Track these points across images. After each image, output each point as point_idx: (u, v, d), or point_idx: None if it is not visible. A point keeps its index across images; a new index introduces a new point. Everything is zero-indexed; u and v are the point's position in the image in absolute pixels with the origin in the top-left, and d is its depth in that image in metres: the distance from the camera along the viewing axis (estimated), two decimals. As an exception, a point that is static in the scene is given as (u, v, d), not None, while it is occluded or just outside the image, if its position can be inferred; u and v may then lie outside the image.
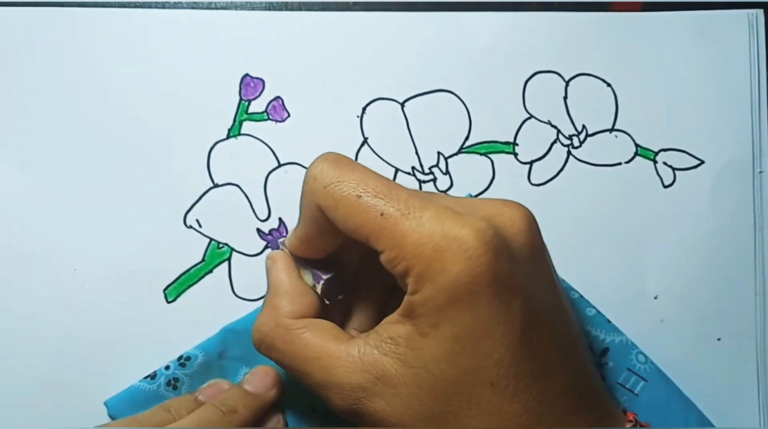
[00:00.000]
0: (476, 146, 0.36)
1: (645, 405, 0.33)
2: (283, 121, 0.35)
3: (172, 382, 0.32)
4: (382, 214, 0.24)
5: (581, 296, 0.34)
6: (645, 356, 0.33)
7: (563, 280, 0.34)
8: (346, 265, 0.30)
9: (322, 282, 0.29)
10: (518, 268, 0.24)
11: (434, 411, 0.24)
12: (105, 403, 0.33)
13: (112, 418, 0.32)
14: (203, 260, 0.34)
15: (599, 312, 0.34)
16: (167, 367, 0.33)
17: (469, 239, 0.23)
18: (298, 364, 0.27)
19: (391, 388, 0.24)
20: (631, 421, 0.29)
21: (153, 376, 0.33)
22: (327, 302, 0.29)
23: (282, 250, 0.31)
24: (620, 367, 0.33)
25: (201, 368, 0.33)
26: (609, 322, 0.34)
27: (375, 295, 0.30)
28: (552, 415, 0.24)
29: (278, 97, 0.35)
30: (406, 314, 0.25)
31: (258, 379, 0.32)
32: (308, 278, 0.29)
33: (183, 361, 0.33)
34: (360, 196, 0.25)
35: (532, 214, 0.26)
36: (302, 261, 0.30)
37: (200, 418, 0.29)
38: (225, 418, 0.29)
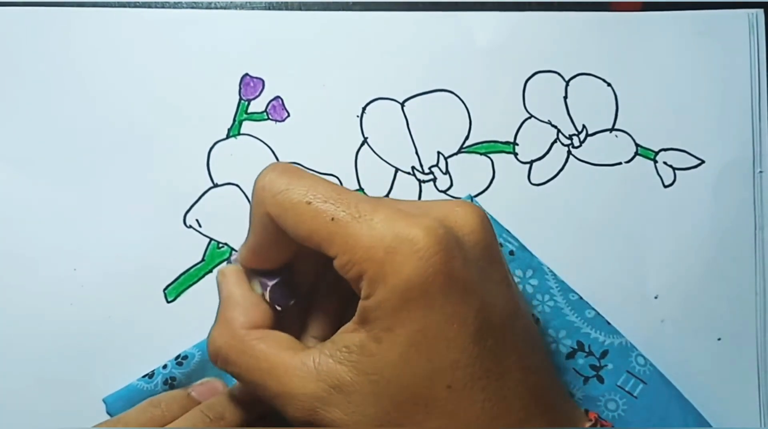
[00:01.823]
0: (476, 146, 0.36)
1: (644, 407, 0.33)
2: (283, 120, 0.35)
3: (169, 381, 0.32)
4: (332, 219, 0.24)
5: (580, 298, 0.34)
6: (644, 358, 0.33)
7: (562, 282, 0.34)
8: (298, 271, 0.29)
9: (268, 288, 0.28)
10: (471, 267, 0.24)
11: (391, 417, 0.24)
12: (103, 400, 0.33)
13: (110, 415, 0.32)
14: (203, 260, 0.34)
15: (599, 314, 0.34)
16: (165, 366, 0.33)
17: (420, 239, 0.23)
18: (253, 376, 0.26)
19: (347, 397, 0.24)
20: (591, 420, 0.29)
21: (151, 375, 0.33)
22: (278, 308, 0.28)
23: (233, 264, 0.30)
24: (620, 370, 0.33)
25: (198, 367, 0.33)
26: (608, 324, 0.34)
27: (332, 305, 0.30)
28: (510, 416, 0.24)
29: (278, 97, 0.35)
30: (361, 321, 0.24)
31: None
32: (257, 287, 0.29)
33: (180, 360, 0.33)
34: (310, 202, 0.25)
35: (484, 213, 0.26)
36: (252, 271, 0.29)
37: (187, 424, 0.29)
38: (212, 425, 0.29)
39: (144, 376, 0.33)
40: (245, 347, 0.27)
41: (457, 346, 0.24)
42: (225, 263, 0.34)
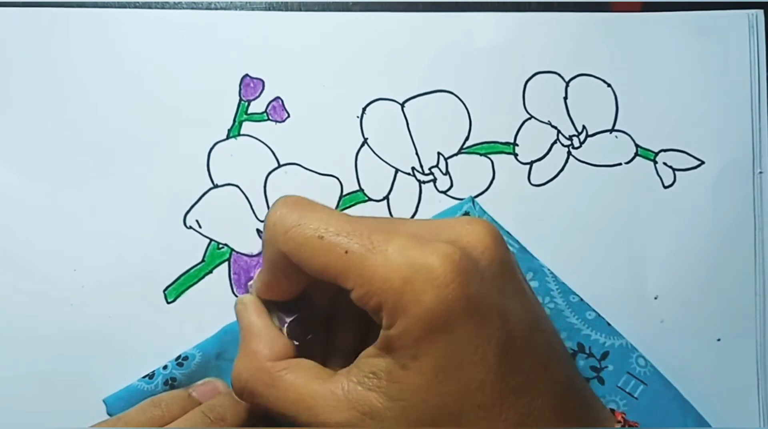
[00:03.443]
0: (476, 146, 0.36)
1: (644, 409, 0.33)
2: (283, 121, 0.35)
3: (170, 382, 0.32)
4: (346, 252, 0.24)
5: (581, 300, 0.34)
6: (645, 360, 0.33)
7: (562, 283, 0.34)
8: (315, 303, 0.30)
9: (286, 325, 0.28)
10: (488, 286, 0.24)
11: None
12: (104, 401, 0.33)
13: (110, 415, 0.33)
14: (203, 261, 0.34)
15: (599, 315, 0.34)
16: (165, 367, 0.33)
17: (437, 267, 0.23)
18: (283, 408, 0.26)
19: (379, 423, 0.24)
20: (620, 422, 0.29)
21: (151, 376, 0.33)
22: (296, 343, 0.28)
23: (252, 295, 0.31)
24: (620, 371, 0.33)
25: (198, 368, 0.33)
26: (609, 325, 0.34)
27: (352, 331, 0.30)
28: (542, 424, 0.24)
29: (278, 98, 0.35)
30: (384, 348, 0.24)
31: None
32: (275, 321, 0.29)
33: (181, 360, 0.33)
34: (322, 236, 0.25)
35: (496, 229, 0.26)
36: (269, 303, 0.30)
37: (187, 425, 0.29)
38: (212, 426, 0.29)
39: (144, 377, 0.33)
40: (272, 380, 0.26)
41: (483, 366, 0.24)
42: (243, 293, 0.34)
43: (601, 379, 0.33)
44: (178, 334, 0.34)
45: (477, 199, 0.35)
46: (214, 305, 0.34)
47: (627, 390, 0.33)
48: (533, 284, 0.34)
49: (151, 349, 0.33)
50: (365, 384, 0.25)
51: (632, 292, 0.36)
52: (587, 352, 0.33)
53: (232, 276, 0.34)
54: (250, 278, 0.34)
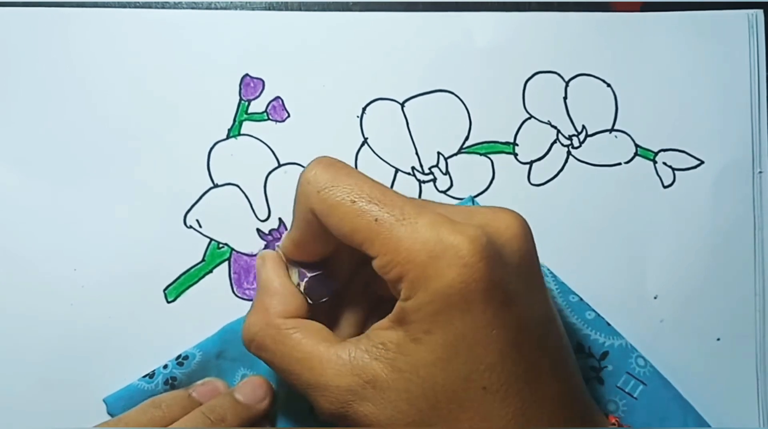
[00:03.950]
0: (476, 146, 0.36)
1: (644, 408, 0.33)
2: (283, 121, 0.35)
3: (170, 381, 0.32)
4: (376, 220, 0.24)
5: (581, 300, 0.34)
6: (645, 360, 0.33)
7: (562, 283, 0.34)
8: (335, 269, 0.30)
9: (306, 279, 0.29)
10: (511, 274, 0.25)
11: (424, 415, 0.24)
12: (104, 400, 0.33)
13: (110, 415, 0.33)
14: (203, 260, 0.34)
15: (599, 315, 0.34)
16: (165, 366, 0.33)
17: (465, 246, 0.23)
18: (287, 365, 0.27)
19: (381, 393, 0.25)
20: (613, 424, 0.29)
21: (151, 375, 0.33)
22: (310, 302, 0.29)
23: (275, 251, 0.31)
24: (619, 371, 0.33)
25: (199, 367, 0.33)
26: (609, 325, 0.34)
27: (361, 304, 0.31)
28: (541, 419, 0.25)
29: (278, 97, 0.35)
30: (398, 320, 0.25)
31: (250, 390, 0.32)
32: (294, 277, 0.29)
33: (181, 360, 0.33)
34: (354, 201, 0.25)
35: (525, 221, 0.26)
36: (292, 261, 0.30)
37: (188, 425, 0.29)
38: (213, 426, 0.29)
39: (144, 376, 0.33)
40: (281, 336, 0.27)
41: (495, 350, 0.24)
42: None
43: (601, 379, 0.33)
44: (178, 333, 0.34)
45: (477, 199, 0.36)
46: (214, 305, 0.34)
47: (626, 390, 0.33)
48: None
49: (151, 349, 0.34)
50: (372, 353, 0.25)
51: (632, 292, 0.36)
52: (587, 352, 0.33)
53: (232, 275, 0.34)
54: (251, 278, 0.34)
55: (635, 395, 0.33)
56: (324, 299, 0.29)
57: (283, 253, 0.30)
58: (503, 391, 0.24)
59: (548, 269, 0.34)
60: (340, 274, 0.30)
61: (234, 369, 0.33)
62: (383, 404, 0.24)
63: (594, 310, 0.34)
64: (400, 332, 0.25)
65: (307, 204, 0.26)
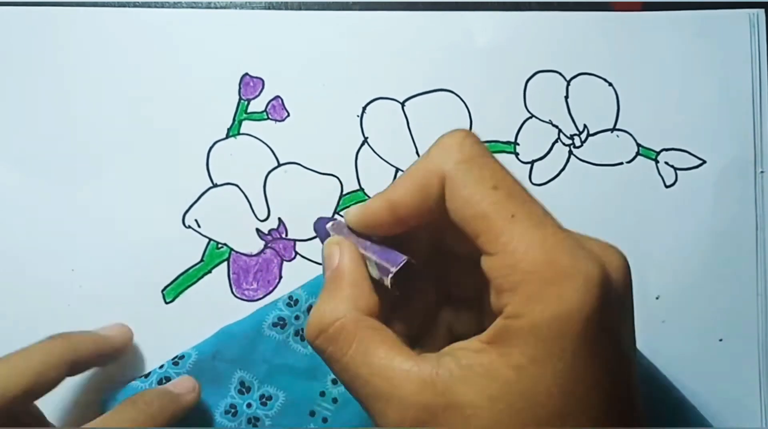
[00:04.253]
0: (477, 146, 0.36)
1: (646, 410, 0.32)
2: (283, 120, 0.35)
3: (164, 381, 0.32)
4: (513, 216, 0.22)
5: None
6: (647, 360, 0.33)
7: None
8: (414, 257, 0.26)
9: (391, 275, 0.25)
10: (618, 311, 0.23)
11: None
12: (101, 400, 0.32)
13: None
14: (202, 260, 0.34)
15: None
16: (161, 366, 0.33)
17: (597, 275, 0.21)
18: (357, 367, 0.24)
19: (463, 419, 0.22)
20: None
21: (147, 375, 0.32)
22: (397, 294, 0.25)
23: (344, 222, 0.27)
24: None
25: (194, 368, 0.33)
26: None
27: (422, 308, 0.28)
28: None
29: (278, 97, 0.35)
30: (495, 340, 0.22)
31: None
32: (373, 270, 0.26)
33: (176, 360, 0.33)
34: (497, 187, 0.22)
35: (627, 260, 0.24)
36: (366, 249, 0.26)
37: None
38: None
39: (141, 376, 0.32)
40: (359, 332, 0.24)
41: (597, 394, 0.22)
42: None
43: None
44: (177, 334, 0.33)
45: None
46: (213, 305, 0.34)
47: None
48: None
49: (150, 349, 0.33)
50: (456, 374, 0.22)
51: (634, 292, 0.35)
52: None
53: (231, 276, 0.34)
54: (250, 278, 0.34)
55: None
56: (410, 291, 0.26)
57: (359, 220, 0.26)
58: None
59: None
60: (419, 262, 0.26)
61: (230, 371, 0.33)
62: None
63: None
64: (494, 355, 0.22)
65: (441, 166, 0.23)
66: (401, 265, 0.25)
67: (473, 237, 0.22)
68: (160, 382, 0.32)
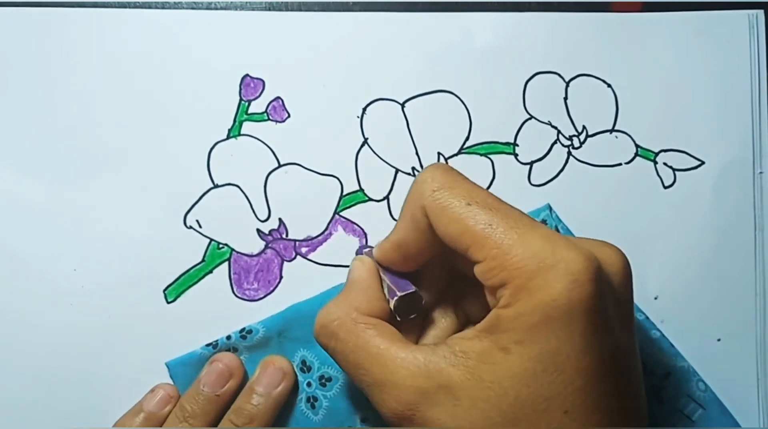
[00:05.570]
0: (476, 147, 0.36)
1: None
2: (283, 121, 0.35)
3: (231, 351, 0.33)
4: (490, 225, 0.24)
5: (647, 318, 0.34)
6: (705, 384, 0.34)
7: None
8: (425, 285, 0.30)
9: (396, 297, 0.28)
10: (613, 303, 0.24)
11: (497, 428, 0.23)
12: (166, 364, 0.33)
13: (172, 378, 0.33)
14: (203, 261, 0.34)
15: (663, 335, 0.34)
16: (228, 337, 0.33)
17: (578, 263, 0.23)
18: (358, 357, 0.26)
19: (455, 400, 0.24)
20: None
21: (215, 345, 0.33)
22: (398, 319, 0.28)
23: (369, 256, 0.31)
24: (680, 393, 0.33)
25: (260, 342, 0.33)
26: (672, 346, 0.34)
27: (444, 324, 0.30)
28: None
29: (278, 98, 0.35)
30: (488, 329, 0.24)
31: (215, 378, 0.33)
32: (385, 292, 0.29)
33: (245, 333, 0.33)
34: (470, 203, 0.25)
35: (627, 258, 0.26)
36: (385, 273, 0.30)
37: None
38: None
39: (208, 345, 0.33)
40: (357, 329, 0.27)
41: (585, 375, 0.23)
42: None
43: (660, 399, 0.33)
44: (178, 334, 0.34)
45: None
46: (214, 305, 0.34)
47: (685, 412, 0.33)
48: None
49: (151, 350, 0.34)
50: (449, 359, 0.24)
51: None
52: (648, 370, 0.33)
53: (232, 276, 0.34)
54: (251, 278, 0.34)
55: (693, 418, 0.33)
56: (412, 316, 0.29)
57: (378, 257, 0.30)
58: (584, 417, 0.23)
59: None
60: (429, 290, 0.30)
61: (294, 348, 0.33)
62: (454, 411, 0.24)
63: (659, 330, 0.34)
64: (486, 342, 0.24)
65: (420, 202, 0.26)
66: (407, 292, 0.28)
67: (463, 251, 0.25)
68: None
